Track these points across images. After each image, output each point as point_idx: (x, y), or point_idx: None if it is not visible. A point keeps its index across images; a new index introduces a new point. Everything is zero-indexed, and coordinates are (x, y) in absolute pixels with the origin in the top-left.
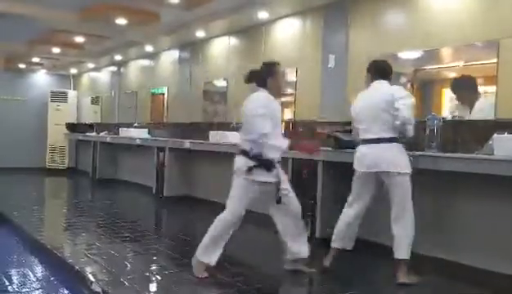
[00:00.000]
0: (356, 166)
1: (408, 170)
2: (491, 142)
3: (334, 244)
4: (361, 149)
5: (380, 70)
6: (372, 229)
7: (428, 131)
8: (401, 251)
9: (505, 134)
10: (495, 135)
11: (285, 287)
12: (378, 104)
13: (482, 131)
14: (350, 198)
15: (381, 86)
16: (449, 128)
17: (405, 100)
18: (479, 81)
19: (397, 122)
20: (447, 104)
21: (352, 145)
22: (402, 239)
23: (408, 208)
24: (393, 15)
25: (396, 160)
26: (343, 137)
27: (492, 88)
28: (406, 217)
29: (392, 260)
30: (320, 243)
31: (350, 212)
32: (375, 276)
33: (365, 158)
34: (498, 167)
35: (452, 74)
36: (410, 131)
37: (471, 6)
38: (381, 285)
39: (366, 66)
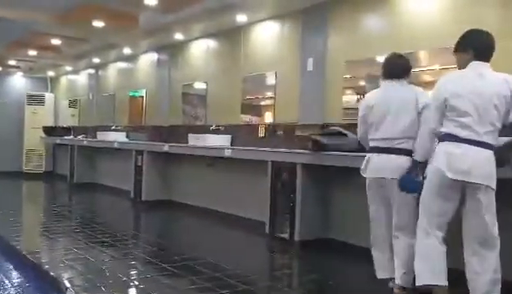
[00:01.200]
0: (445, 168)
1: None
2: None
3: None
4: (458, 149)
5: (486, 49)
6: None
7: None
8: None
9: None
10: None
11: (264, 290)
12: (490, 97)
13: None
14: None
15: (491, 74)
16: None
17: None
18: None
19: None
20: None
21: (337, 148)
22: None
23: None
24: (371, 19)
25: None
26: (323, 140)
27: None
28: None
29: None
30: (299, 246)
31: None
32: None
33: (461, 160)
34: None
35: (429, 77)
36: None
37: (447, 11)
38: None
39: (458, 40)
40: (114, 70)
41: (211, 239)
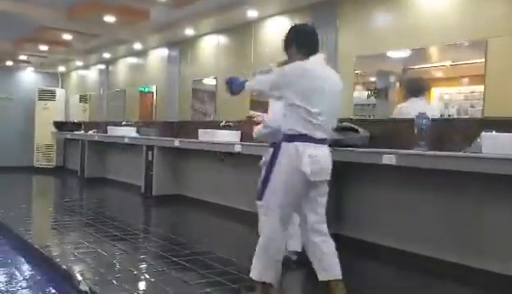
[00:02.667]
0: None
1: None
2: (479, 140)
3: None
4: None
5: None
6: None
7: (416, 130)
8: None
9: (493, 132)
10: (483, 133)
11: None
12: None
13: (470, 130)
14: None
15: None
16: (437, 127)
17: None
18: (467, 80)
19: None
20: (436, 103)
21: (348, 143)
22: None
23: None
24: (382, 14)
25: None
26: (334, 135)
27: (480, 87)
28: None
29: None
30: None
31: None
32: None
33: None
34: (486, 164)
35: (440, 74)
36: None
37: (458, 6)
38: None
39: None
40: (124, 66)
41: (221, 234)
